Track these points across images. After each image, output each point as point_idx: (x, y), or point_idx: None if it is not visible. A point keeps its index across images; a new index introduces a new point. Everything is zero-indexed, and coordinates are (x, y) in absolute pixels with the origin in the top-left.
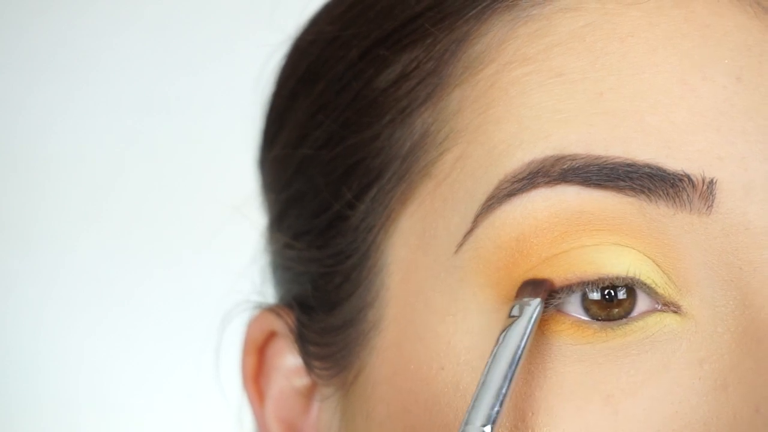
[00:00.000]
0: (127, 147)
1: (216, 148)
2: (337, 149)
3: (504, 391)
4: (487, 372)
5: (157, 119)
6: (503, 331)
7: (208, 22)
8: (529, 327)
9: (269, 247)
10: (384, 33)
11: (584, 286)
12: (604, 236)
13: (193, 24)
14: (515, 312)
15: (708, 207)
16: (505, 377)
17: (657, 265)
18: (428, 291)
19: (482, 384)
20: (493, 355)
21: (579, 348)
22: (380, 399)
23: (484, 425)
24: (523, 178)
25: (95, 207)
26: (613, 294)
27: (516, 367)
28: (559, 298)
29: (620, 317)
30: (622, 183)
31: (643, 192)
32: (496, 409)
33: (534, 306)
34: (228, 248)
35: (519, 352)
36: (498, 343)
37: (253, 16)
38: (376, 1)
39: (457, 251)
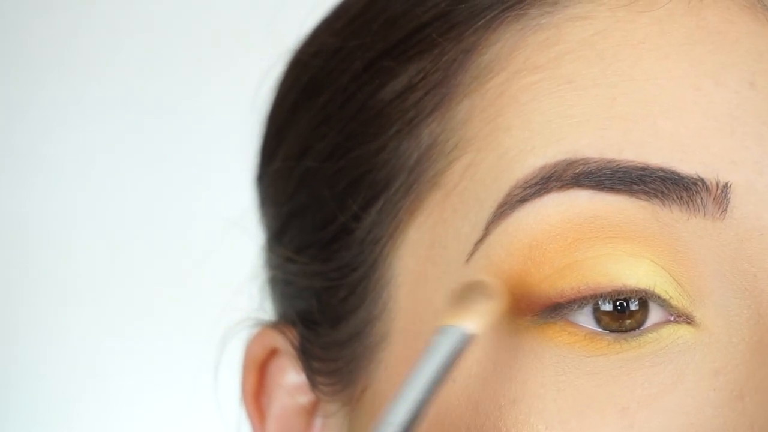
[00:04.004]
0: (122, 162)
1: (214, 161)
2: (342, 161)
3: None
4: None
5: (152, 132)
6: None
7: (203, 38)
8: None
9: (269, 262)
10: (389, 44)
11: (597, 298)
12: (617, 244)
13: (190, 38)
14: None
15: (722, 212)
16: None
17: (670, 274)
18: (438, 302)
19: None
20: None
21: (592, 360)
22: None
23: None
24: (535, 184)
25: (90, 222)
26: (625, 305)
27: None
28: (570, 309)
29: (632, 328)
30: (635, 187)
31: (657, 196)
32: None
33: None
34: (226, 264)
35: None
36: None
37: (252, 30)
38: (380, 13)
39: (468, 260)
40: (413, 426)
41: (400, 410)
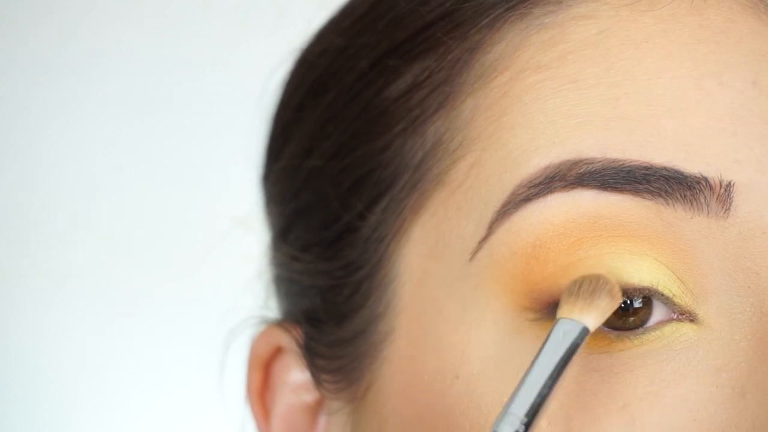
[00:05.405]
0: (125, 161)
1: (219, 160)
2: (347, 160)
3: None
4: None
5: (159, 131)
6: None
7: (210, 35)
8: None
9: (274, 261)
10: (395, 43)
11: None
12: (620, 243)
13: (196, 36)
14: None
15: (725, 210)
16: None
17: (673, 272)
18: (442, 300)
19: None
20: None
21: (595, 357)
22: (393, 411)
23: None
24: (539, 183)
25: (94, 220)
26: (629, 303)
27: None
28: None
29: (636, 326)
30: (639, 186)
31: (661, 195)
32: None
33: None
34: (231, 262)
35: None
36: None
37: (258, 29)
38: (386, 12)
39: (471, 259)
40: (535, 418)
41: (522, 402)
